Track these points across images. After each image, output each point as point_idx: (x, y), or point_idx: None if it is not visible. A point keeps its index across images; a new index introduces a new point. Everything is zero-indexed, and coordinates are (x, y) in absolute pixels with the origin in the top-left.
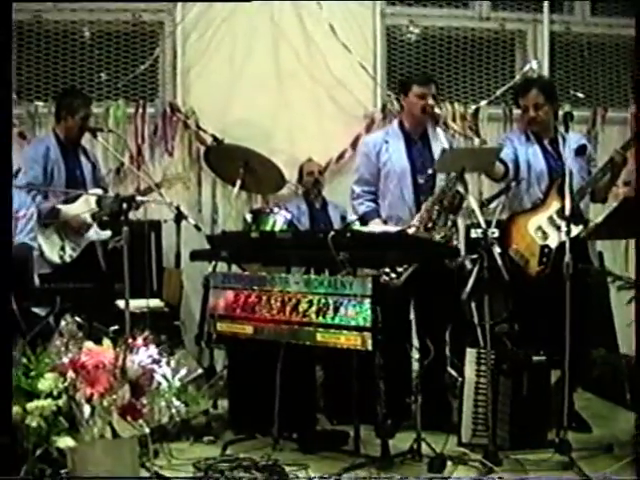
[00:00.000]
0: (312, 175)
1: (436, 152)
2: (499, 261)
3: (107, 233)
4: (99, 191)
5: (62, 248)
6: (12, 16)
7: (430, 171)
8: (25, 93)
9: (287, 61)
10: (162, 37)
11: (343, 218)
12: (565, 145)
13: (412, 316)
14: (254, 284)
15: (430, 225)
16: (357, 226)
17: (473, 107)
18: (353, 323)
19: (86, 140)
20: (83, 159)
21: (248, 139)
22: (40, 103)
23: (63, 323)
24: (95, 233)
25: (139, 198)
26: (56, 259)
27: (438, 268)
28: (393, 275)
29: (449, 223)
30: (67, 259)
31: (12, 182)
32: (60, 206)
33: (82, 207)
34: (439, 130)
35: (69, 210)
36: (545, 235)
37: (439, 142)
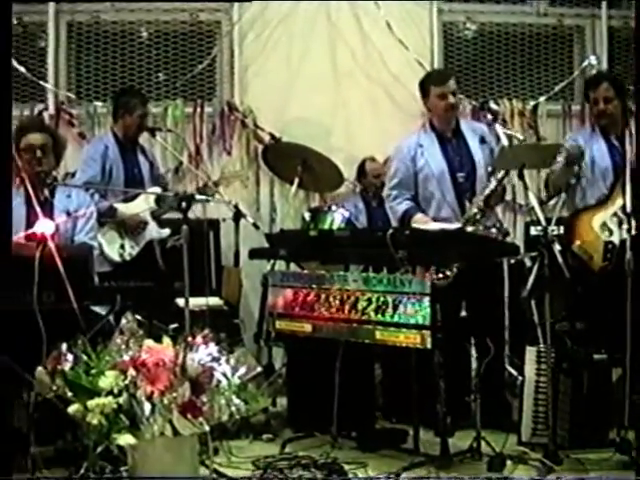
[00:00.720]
0: (379, 178)
1: (472, 146)
2: (559, 258)
3: (166, 231)
4: (158, 189)
5: (122, 246)
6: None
7: (490, 169)
8: (84, 93)
9: (344, 59)
10: (219, 37)
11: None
12: (629, 141)
13: (465, 314)
14: (313, 282)
15: (475, 222)
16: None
17: (532, 103)
18: (412, 321)
19: (144, 139)
20: (141, 158)
21: (306, 137)
22: (99, 103)
23: (124, 321)
24: (155, 231)
25: (198, 197)
26: (116, 257)
27: (489, 264)
28: (440, 275)
29: (495, 220)
30: (127, 257)
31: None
32: (117, 205)
33: (140, 206)
34: (498, 127)
35: (126, 209)
36: (610, 231)
37: (476, 134)
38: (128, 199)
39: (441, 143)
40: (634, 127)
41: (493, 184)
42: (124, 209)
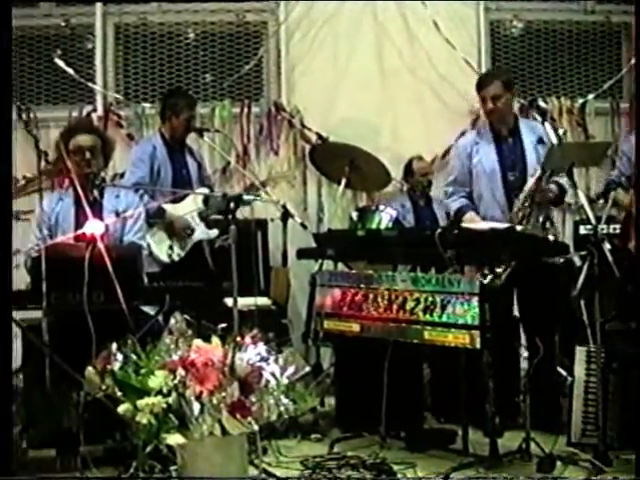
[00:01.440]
0: (427, 176)
1: (527, 146)
2: (609, 257)
3: (214, 232)
4: (206, 190)
5: (170, 247)
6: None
7: (540, 168)
8: (132, 94)
9: (391, 59)
10: (266, 37)
11: (448, 215)
12: None
13: (517, 314)
14: (361, 282)
15: (524, 221)
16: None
17: (580, 101)
18: (461, 321)
19: (192, 140)
20: (189, 158)
21: (353, 137)
22: (147, 104)
23: (172, 321)
24: (203, 232)
25: (246, 197)
26: (165, 258)
27: (539, 264)
28: (491, 276)
29: (541, 219)
30: (175, 258)
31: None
32: (166, 205)
33: (189, 206)
34: (547, 125)
35: (175, 209)
36: None
37: (534, 134)
38: (176, 200)
39: (496, 141)
40: (635, 124)
41: (532, 181)
42: (172, 210)
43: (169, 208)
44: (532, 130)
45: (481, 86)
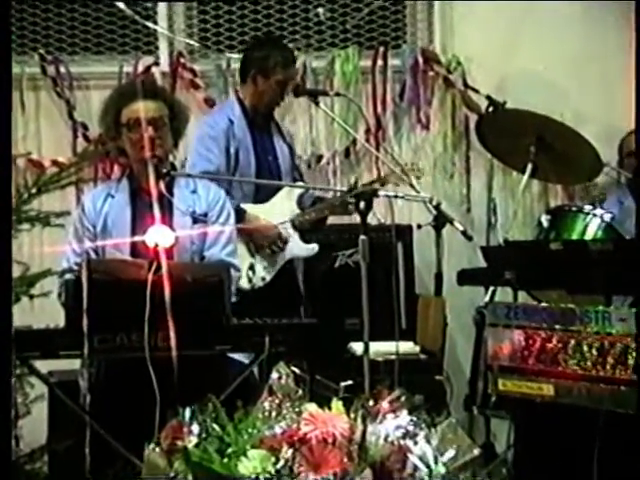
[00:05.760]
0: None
1: None
2: None
3: (314, 247)
4: (302, 184)
5: (251, 267)
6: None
7: None
8: (212, 40)
9: None
10: None
11: None
12: None
13: None
14: (556, 321)
15: None
16: None
17: None
18: None
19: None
20: (277, 139)
21: (541, 103)
22: (233, 55)
23: (274, 376)
24: (296, 247)
25: (382, 193)
26: (244, 283)
27: None
28: None
29: None
30: (258, 283)
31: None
32: (246, 206)
33: (280, 208)
34: None
35: (263, 213)
36: None
37: None
38: (260, 199)
39: None
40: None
41: None
42: (258, 213)
43: (253, 210)
44: None
45: None
